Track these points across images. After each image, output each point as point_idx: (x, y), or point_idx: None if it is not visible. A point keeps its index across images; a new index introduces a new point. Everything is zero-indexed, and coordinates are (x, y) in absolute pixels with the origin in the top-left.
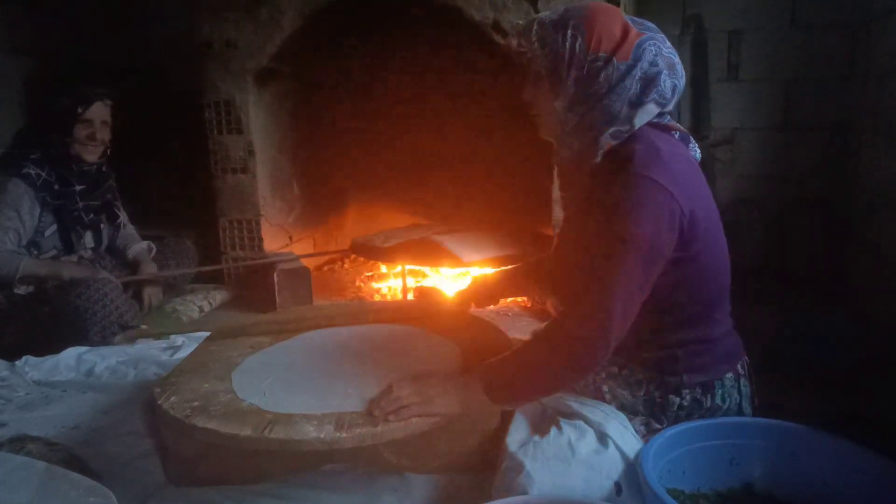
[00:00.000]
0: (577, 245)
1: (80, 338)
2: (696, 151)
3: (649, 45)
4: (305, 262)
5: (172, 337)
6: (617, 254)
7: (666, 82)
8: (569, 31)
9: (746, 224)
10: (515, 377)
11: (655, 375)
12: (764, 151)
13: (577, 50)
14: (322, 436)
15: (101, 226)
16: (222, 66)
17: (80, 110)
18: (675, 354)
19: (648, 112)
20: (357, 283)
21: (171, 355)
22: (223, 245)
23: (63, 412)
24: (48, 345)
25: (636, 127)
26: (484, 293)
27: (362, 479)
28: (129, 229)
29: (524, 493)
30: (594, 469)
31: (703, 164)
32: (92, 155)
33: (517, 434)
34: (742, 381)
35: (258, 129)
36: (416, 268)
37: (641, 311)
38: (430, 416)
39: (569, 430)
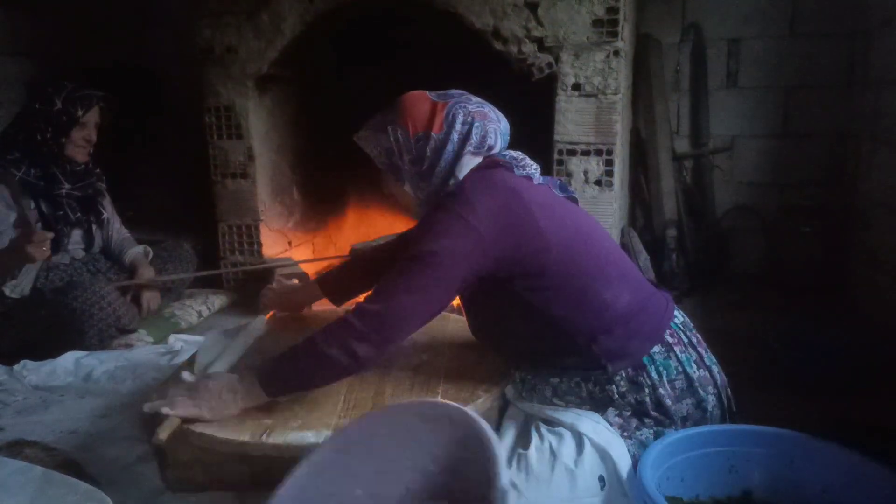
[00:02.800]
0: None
1: (78, 341)
2: (525, 170)
3: (456, 109)
4: (304, 267)
5: (171, 342)
6: (410, 268)
7: (477, 133)
8: (388, 128)
9: (745, 231)
10: (291, 370)
11: (584, 375)
12: (763, 159)
13: (401, 139)
14: (320, 441)
15: (92, 226)
16: (223, 72)
17: (80, 114)
18: (590, 352)
19: (467, 163)
20: None
21: (170, 360)
22: (222, 250)
23: (61, 417)
24: (46, 348)
25: (460, 177)
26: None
27: None
28: (124, 233)
29: None
30: (577, 471)
31: (701, 171)
32: (83, 156)
33: (504, 448)
34: (677, 349)
35: (258, 135)
36: None
37: (543, 324)
38: (195, 417)
39: (549, 436)
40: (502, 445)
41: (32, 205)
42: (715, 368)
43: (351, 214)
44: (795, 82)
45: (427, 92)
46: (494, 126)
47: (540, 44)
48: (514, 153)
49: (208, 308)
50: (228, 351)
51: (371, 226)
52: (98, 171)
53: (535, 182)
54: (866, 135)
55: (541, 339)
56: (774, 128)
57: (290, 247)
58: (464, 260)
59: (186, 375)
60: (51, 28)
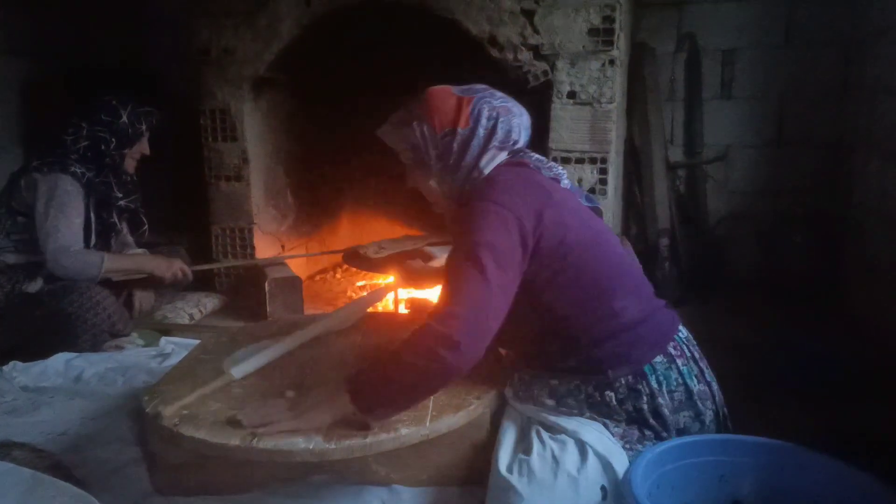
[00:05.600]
0: None
1: (70, 344)
2: (552, 171)
3: (481, 105)
4: (298, 271)
5: (162, 344)
6: (464, 263)
7: (502, 128)
8: (414, 123)
9: (739, 239)
10: (380, 382)
11: (584, 379)
12: (757, 168)
13: (427, 134)
14: (311, 447)
15: (118, 232)
16: (219, 74)
17: (143, 128)
18: (592, 355)
19: (492, 157)
20: (349, 293)
21: (161, 363)
22: (215, 252)
23: (50, 418)
24: (37, 350)
25: (485, 172)
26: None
27: (351, 491)
28: (127, 239)
29: None
30: (579, 479)
31: (695, 180)
32: (133, 167)
33: (504, 453)
34: (679, 361)
35: (253, 138)
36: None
37: (547, 323)
38: (297, 430)
39: (551, 443)
40: (502, 448)
41: (83, 204)
42: (714, 385)
43: (345, 219)
44: (790, 92)
45: (451, 87)
46: (518, 121)
47: (536, 51)
48: (539, 156)
49: (200, 311)
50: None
51: (365, 230)
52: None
53: (562, 185)
54: (860, 144)
55: (545, 338)
56: (769, 137)
57: (284, 250)
58: (518, 245)
59: (290, 394)
60: (48, 28)
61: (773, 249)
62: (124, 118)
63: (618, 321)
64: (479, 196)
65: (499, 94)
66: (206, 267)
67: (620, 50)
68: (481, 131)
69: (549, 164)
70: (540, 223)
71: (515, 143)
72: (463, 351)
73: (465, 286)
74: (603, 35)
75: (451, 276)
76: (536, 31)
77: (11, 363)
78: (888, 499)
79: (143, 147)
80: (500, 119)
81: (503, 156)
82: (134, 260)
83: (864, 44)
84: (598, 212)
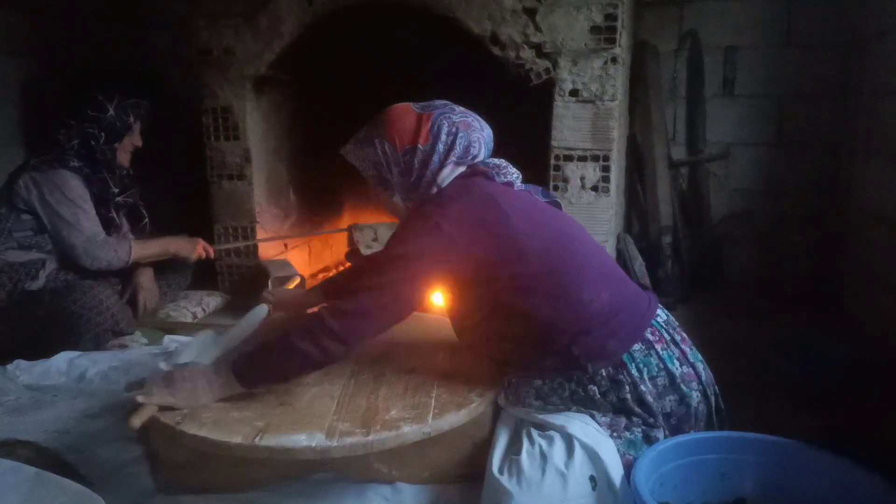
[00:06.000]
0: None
1: (73, 343)
2: (506, 177)
3: (441, 121)
4: (300, 269)
5: (165, 342)
6: (380, 268)
7: (461, 143)
8: (375, 141)
9: (740, 239)
10: (261, 358)
11: (566, 376)
12: (758, 167)
13: (388, 152)
14: (313, 444)
15: (118, 227)
16: (221, 73)
17: (132, 121)
18: (570, 352)
19: (450, 172)
20: None
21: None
22: (218, 252)
23: (53, 417)
24: (40, 348)
25: (443, 185)
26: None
27: (353, 489)
28: (127, 236)
29: None
30: (567, 473)
31: (697, 178)
32: (127, 160)
33: (497, 454)
34: (658, 346)
35: (255, 136)
36: None
37: (521, 326)
38: (169, 405)
39: (539, 440)
40: (496, 450)
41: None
42: (700, 365)
43: (347, 218)
44: (791, 91)
45: (411, 104)
46: (478, 135)
47: (538, 50)
48: (496, 161)
49: (203, 309)
50: (217, 343)
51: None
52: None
53: (516, 189)
54: (860, 145)
55: (522, 341)
56: (769, 136)
57: (286, 249)
58: (430, 259)
59: (162, 365)
60: (49, 28)
61: (773, 249)
62: (111, 112)
63: (589, 312)
64: (421, 210)
65: (459, 108)
66: (227, 246)
67: (622, 48)
68: (441, 147)
69: (505, 170)
70: (478, 232)
71: (475, 157)
72: (347, 347)
73: (366, 288)
74: (605, 33)
75: (363, 274)
76: (538, 30)
77: (15, 362)
78: (891, 497)
79: (135, 139)
80: (459, 134)
81: (460, 170)
82: (159, 243)
83: (865, 44)
84: (556, 205)
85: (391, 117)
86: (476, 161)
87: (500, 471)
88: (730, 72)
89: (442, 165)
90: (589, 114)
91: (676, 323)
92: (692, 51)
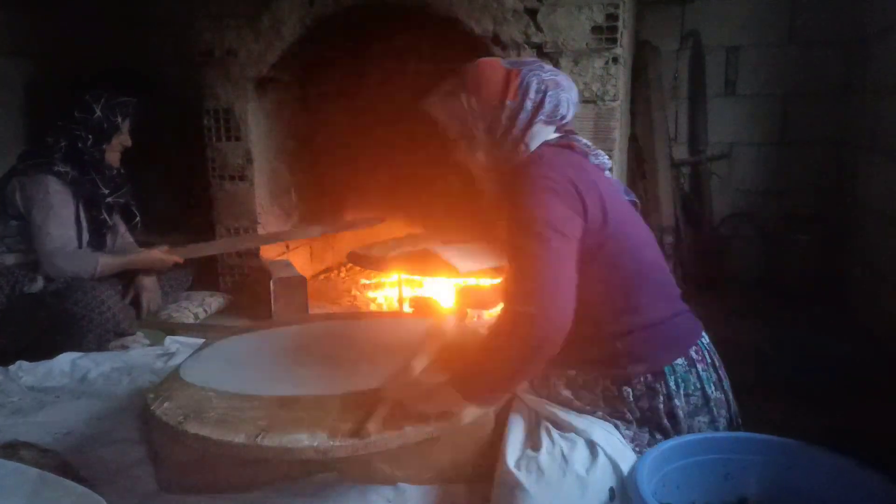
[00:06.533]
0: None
1: (75, 344)
2: (598, 159)
3: (530, 77)
4: (303, 270)
5: (167, 343)
6: (526, 240)
7: (550, 102)
8: (462, 95)
9: (743, 238)
10: (480, 374)
11: (603, 371)
12: (760, 166)
13: (475, 106)
14: (315, 444)
15: (113, 229)
16: (222, 74)
17: (119, 121)
18: (614, 348)
19: (538, 131)
20: (353, 292)
21: (166, 362)
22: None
23: (56, 418)
24: (43, 349)
25: (532, 147)
26: (475, 299)
27: (355, 490)
28: (128, 237)
29: None
30: (588, 479)
31: (699, 178)
32: (117, 160)
33: (513, 448)
34: (699, 366)
35: (257, 137)
36: (413, 278)
37: (578, 305)
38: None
39: (561, 441)
40: (510, 442)
41: (72, 203)
42: (730, 395)
43: (349, 217)
44: (793, 90)
45: (500, 59)
46: (567, 95)
47: (539, 49)
48: (587, 142)
49: (205, 310)
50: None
51: (369, 229)
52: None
53: (605, 174)
54: (863, 143)
55: (573, 320)
56: (772, 135)
57: (288, 249)
58: (574, 212)
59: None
60: (50, 29)
61: (776, 248)
62: (98, 112)
63: (640, 318)
64: (526, 171)
65: (548, 67)
66: (200, 253)
67: (624, 48)
68: (529, 104)
69: (596, 152)
70: (588, 192)
71: (563, 117)
72: (545, 324)
73: (532, 262)
74: (606, 33)
75: (516, 256)
76: (540, 30)
77: (17, 363)
78: (894, 497)
79: (124, 139)
80: (549, 92)
81: (550, 130)
82: (130, 259)
83: (867, 43)
84: (636, 205)
85: (479, 71)
86: (564, 121)
87: (517, 466)
88: (731, 71)
89: (531, 123)
90: (590, 114)
91: (715, 349)
92: (694, 50)
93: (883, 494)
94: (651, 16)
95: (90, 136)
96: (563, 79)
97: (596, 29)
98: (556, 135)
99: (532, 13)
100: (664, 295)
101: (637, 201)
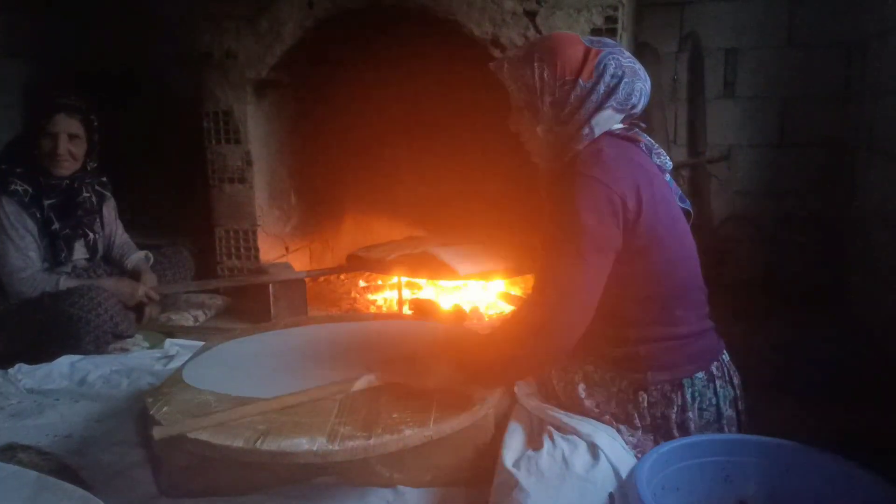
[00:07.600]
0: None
1: (74, 346)
2: (660, 158)
3: (609, 59)
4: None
5: (167, 346)
6: (561, 243)
7: (624, 89)
8: (535, 64)
9: (742, 240)
10: (481, 364)
11: (621, 372)
12: (760, 168)
13: (546, 78)
14: (314, 448)
15: (94, 236)
16: (222, 76)
17: (42, 122)
18: (637, 352)
19: (607, 118)
20: (353, 295)
21: (165, 365)
22: (219, 254)
23: (55, 421)
24: (42, 352)
25: (596, 133)
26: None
27: (354, 493)
28: (126, 238)
29: None
30: (588, 483)
31: (698, 180)
32: (62, 169)
33: (512, 448)
34: (718, 382)
35: (256, 139)
36: (413, 280)
37: (601, 307)
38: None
39: (562, 443)
40: (510, 443)
41: (30, 220)
42: (743, 416)
43: (348, 220)
44: (792, 92)
45: (580, 35)
46: (641, 85)
47: None
48: (651, 139)
49: (204, 313)
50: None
51: (368, 231)
52: (104, 179)
53: (664, 175)
54: (862, 145)
55: (599, 318)
56: (771, 137)
57: (288, 252)
58: (617, 227)
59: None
60: (51, 31)
61: (775, 250)
62: (43, 120)
63: (671, 330)
64: (583, 169)
65: (627, 53)
66: (174, 290)
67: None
68: (602, 87)
69: (659, 151)
70: (640, 201)
71: (634, 107)
72: (549, 338)
73: (560, 270)
74: (606, 35)
75: (547, 256)
76: (539, 32)
77: (17, 365)
78: (894, 499)
79: (52, 143)
80: (625, 79)
81: (618, 118)
82: (99, 283)
83: (866, 44)
84: (688, 215)
85: (557, 43)
86: (634, 111)
87: (516, 465)
88: (731, 73)
89: (600, 107)
90: None
91: (735, 368)
92: (693, 52)
93: (883, 496)
94: (650, 18)
95: (37, 148)
96: (641, 69)
97: (595, 31)
98: (621, 126)
99: (531, 15)
100: (695, 311)
101: (690, 211)
